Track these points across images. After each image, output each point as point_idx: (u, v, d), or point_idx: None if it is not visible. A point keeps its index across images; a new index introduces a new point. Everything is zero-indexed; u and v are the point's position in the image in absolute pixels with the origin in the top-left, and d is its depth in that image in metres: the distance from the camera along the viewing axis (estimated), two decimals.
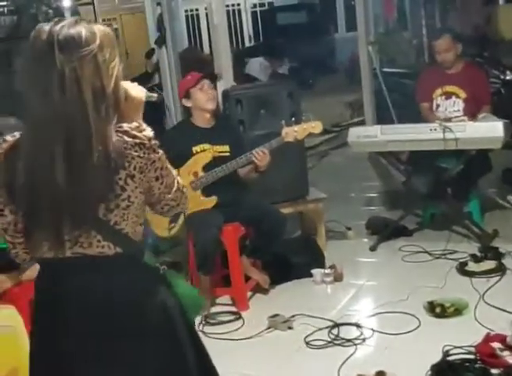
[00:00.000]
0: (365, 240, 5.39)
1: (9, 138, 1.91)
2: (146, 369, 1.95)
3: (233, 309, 4.39)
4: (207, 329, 4.14)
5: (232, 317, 4.27)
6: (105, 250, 1.91)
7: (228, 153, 4.43)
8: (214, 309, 4.41)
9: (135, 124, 1.89)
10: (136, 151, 1.86)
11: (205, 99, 4.42)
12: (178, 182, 2.03)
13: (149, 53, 8.71)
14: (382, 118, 6.77)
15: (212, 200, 4.37)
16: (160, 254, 5.03)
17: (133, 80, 7.09)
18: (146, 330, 1.95)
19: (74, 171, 1.81)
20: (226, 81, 5.41)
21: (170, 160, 4.84)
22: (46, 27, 1.82)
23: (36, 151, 1.82)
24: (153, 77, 8.67)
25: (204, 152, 4.42)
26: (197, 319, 4.22)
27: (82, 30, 1.82)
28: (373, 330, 3.86)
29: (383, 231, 5.32)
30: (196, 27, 18.93)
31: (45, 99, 1.79)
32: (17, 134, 1.91)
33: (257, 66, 8.39)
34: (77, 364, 1.94)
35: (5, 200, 1.91)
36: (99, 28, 1.87)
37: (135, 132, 1.87)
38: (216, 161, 4.38)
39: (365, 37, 6.58)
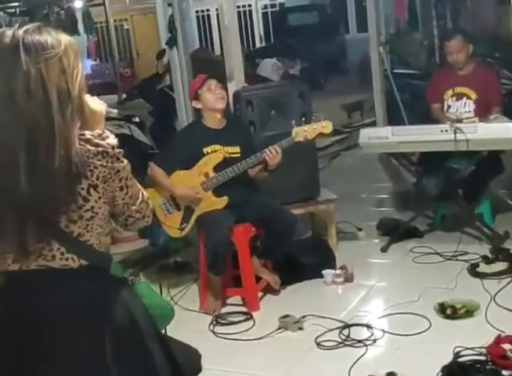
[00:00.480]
0: (376, 241, 5.38)
1: None
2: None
3: (244, 309, 4.40)
4: (218, 329, 4.15)
5: (242, 318, 4.27)
6: (69, 262, 1.88)
7: (238, 155, 4.44)
8: (224, 310, 4.42)
9: (97, 131, 1.85)
10: (99, 160, 1.82)
11: (214, 99, 4.43)
12: (142, 194, 2.00)
13: (160, 54, 8.75)
14: (393, 119, 6.76)
15: (223, 201, 4.38)
16: (171, 254, 5.05)
17: (144, 80, 7.18)
18: (112, 342, 1.90)
19: (36, 177, 1.76)
20: (237, 82, 5.42)
21: (181, 161, 4.87)
22: (9, 31, 1.80)
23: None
24: (163, 78, 8.70)
25: (215, 152, 4.43)
26: (207, 320, 4.24)
27: (47, 34, 1.81)
28: (384, 331, 3.86)
29: (394, 232, 5.32)
30: (207, 28, 18.97)
31: (9, 102, 1.76)
32: None
33: (268, 67, 8.40)
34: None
35: None
36: (63, 36, 1.85)
37: (97, 140, 1.83)
38: (227, 162, 4.39)
39: (377, 38, 6.58)
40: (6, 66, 1.76)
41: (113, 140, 1.87)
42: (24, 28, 1.80)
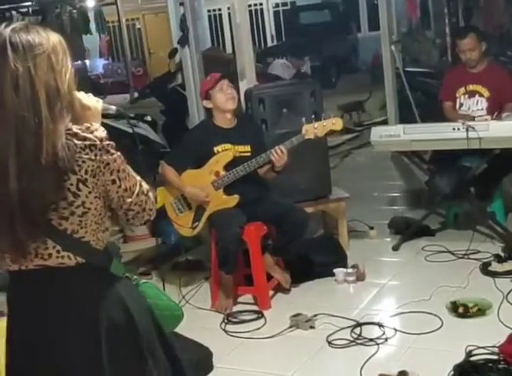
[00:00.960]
0: (388, 239, 5.37)
1: None
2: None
3: (255, 307, 4.39)
4: (229, 328, 4.15)
5: (254, 316, 4.27)
6: (65, 260, 1.86)
7: (249, 153, 4.44)
8: (236, 308, 4.42)
9: (85, 125, 1.83)
10: (87, 154, 1.79)
11: (225, 100, 4.42)
12: (141, 186, 1.95)
13: (172, 53, 8.75)
14: (405, 118, 6.75)
15: (234, 199, 4.38)
16: (183, 253, 5.06)
17: (156, 79, 7.19)
18: (108, 342, 1.89)
19: (24, 175, 1.75)
20: (249, 81, 5.41)
21: (192, 160, 4.86)
22: None
23: None
24: (175, 77, 8.71)
25: (226, 151, 4.42)
26: (219, 319, 4.24)
27: (34, 32, 1.81)
28: (396, 330, 3.85)
29: (405, 231, 5.30)
30: (218, 27, 18.98)
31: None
32: None
33: (280, 65, 8.40)
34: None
35: None
36: (52, 34, 1.85)
37: (85, 134, 1.80)
38: (237, 161, 4.39)
39: (389, 36, 6.56)
40: None
41: (101, 133, 1.84)
42: (11, 27, 1.79)
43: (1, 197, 1.77)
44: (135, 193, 1.92)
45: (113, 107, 2.17)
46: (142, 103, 9.89)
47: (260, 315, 4.27)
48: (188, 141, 4.56)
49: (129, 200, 1.91)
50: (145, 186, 1.97)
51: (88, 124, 1.84)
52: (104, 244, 1.93)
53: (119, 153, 1.88)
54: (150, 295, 2.10)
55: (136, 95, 13.25)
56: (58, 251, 1.85)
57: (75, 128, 1.81)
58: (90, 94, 1.98)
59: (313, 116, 4.58)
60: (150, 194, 1.99)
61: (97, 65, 19.82)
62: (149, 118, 7.76)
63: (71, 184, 1.79)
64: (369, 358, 3.56)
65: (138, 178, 1.96)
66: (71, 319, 1.89)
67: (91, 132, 1.82)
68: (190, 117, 6.17)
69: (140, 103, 10.01)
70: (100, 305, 1.90)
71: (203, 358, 3.68)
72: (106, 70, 19.46)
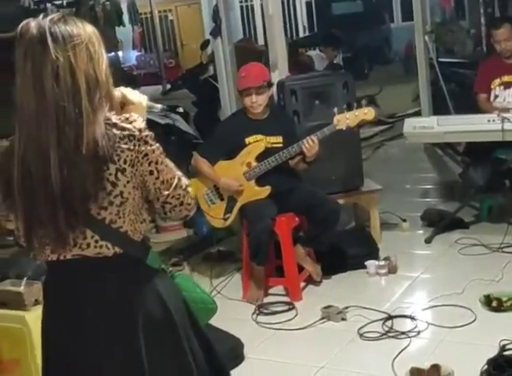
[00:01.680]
0: (421, 232, 5.33)
1: (4, 141, 1.90)
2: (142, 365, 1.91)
3: (287, 299, 4.40)
4: (261, 319, 4.16)
5: (285, 307, 4.27)
6: (103, 250, 1.87)
7: (281, 144, 4.43)
8: (267, 299, 4.42)
9: (124, 115, 1.85)
10: (126, 143, 1.80)
11: (249, 105, 4.42)
12: (179, 180, 1.93)
13: (204, 44, 8.77)
14: (438, 109, 6.67)
15: (266, 190, 4.38)
16: (214, 244, 5.08)
17: (188, 71, 7.20)
18: (145, 334, 1.90)
19: (65, 165, 1.76)
20: (281, 72, 5.40)
21: (224, 151, 4.87)
22: (32, 22, 1.79)
23: (30, 146, 1.79)
24: (207, 68, 8.72)
25: (257, 142, 4.42)
26: (250, 310, 4.25)
27: (72, 23, 1.82)
28: (428, 323, 3.83)
29: (438, 223, 5.26)
30: (250, 18, 18.95)
31: (39, 92, 1.76)
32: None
33: (314, 57, 8.35)
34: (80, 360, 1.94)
35: (7, 205, 1.88)
36: (87, 25, 1.86)
37: (124, 124, 1.82)
38: (269, 152, 4.39)
39: (422, 26, 6.48)
40: (34, 57, 1.76)
41: (140, 124, 1.84)
42: (49, 18, 1.80)
43: (44, 188, 1.78)
44: (173, 185, 1.91)
45: (159, 106, 2.19)
46: (175, 94, 9.95)
47: (291, 306, 4.27)
48: (220, 132, 4.57)
49: (166, 192, 1.90)
50: (184, 180, 1.96)
51: (128, 115, 1.85)
52: (142, 236, 1.92)
53: (158, 145, 1.88)
54: (185, 288, 2.10)
55: (168, 86, 13.32)
56: (96, 241, 1.85)
57: (114, 119, 1.83)
58: (136, 90, 2.00)
59: (345, 106, 4.55)
60: (189, 189, 1.97)
61: (130, 57, 19.91)
62: (181, 110, 7.78)
63: (110, 174, 1.79)
64: (401, 351, 3.54)
65: (178, 172, 1.95)
66: (107, 309, 1.90)
67: (130, 123, 1.83)
68: (222, 109, 6.17)
69: (172, 95, 10.08)
70: (136, 296, 1.90)
71: (234, 348, 3.69)
72: (138, 61, 19.56)
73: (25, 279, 3.30)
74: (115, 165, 1.79)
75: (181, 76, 10.41)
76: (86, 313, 1.90)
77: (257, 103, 4.39)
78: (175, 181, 1.92)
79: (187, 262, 5.11)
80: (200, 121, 7.95)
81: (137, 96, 1.98)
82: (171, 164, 1.93)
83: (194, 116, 8.11)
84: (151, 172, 1.86)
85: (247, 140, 4.43)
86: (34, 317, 3.21)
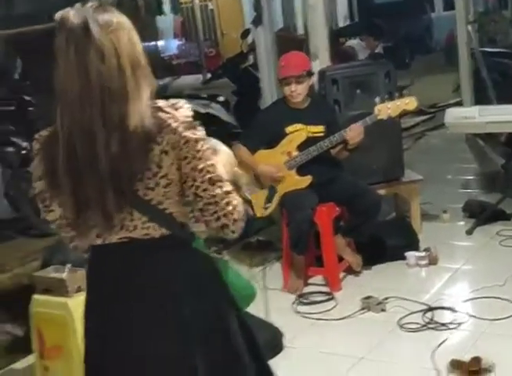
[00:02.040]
0: (462, 223, 5.27)
1: (44, 131, 1.92)
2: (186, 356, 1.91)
3: (326, 289, 4.40)
4: (300, 308, 4.17)
5: (324, 297, 4.27)
6: (150, 231, 1.87)
7: (322, 134, 4.42)
8: (306, 289, 4.43)
9: (171, 101, 1.87)
10: (169, 125, 1.81)
11: (288, 94, 4.42)
12: (224, 184, 1.88)
13: (245, 33, 8.76)
14: (480, 99, 6.59)
15: (307, 180, 4.38)
16: (254, 233, 5.09)
17: (228, 60, 7.22)
18: (193, 316, 1.91)
19: (112, 144, 1.78)
20: (322, 61, 5.37)
21: (264, 140, 4.86)
22: (71, 10, 1.82)
23: (74, 129, 1.81)
24: (248, 58, 8.72)
25: (299, 131, 4.42)
26: (290, 299, 4.26)
27: (110, 10, 1.85)
28: (469, 315, 3.80)
29: (480, 214, 5.20)
30: (290, 8, 18.86)
31: (83, 75, 1.78)
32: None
33: (354, 46, 8.29)
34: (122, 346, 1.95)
35: (50, 194, 1.91)
36: (120, 13, 1.88)
37: (169, 109, 1.84)
38: (310, 142, 4.38)
39: (465, 16, 6.40)
40: (77, 42, 1.79)
41: (186, 111, 1.86)
42: (88, 5, 1.83)
43: (91, 169, 1.80)
44: (218, 189, 1.87)
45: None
46: (215, 83, 9.94)
47: (331, 296, 4.27)
48: (260, 121, 4.57)
49: (201, 184, 1.85)
50: (237, 197, 1.91)
51: (174, 101, 1.87)
52: (188, 218, 1.93)
53: (203, 137, 1.86)
54: (228, 274, 2.12)
55: (209, 75, 13.31)
56: (143, 222, 1.86)
57: (161, 103, 1.85)
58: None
59: (386, 96, 4.52)
60: (240, 208, 1.91)
61: (171, 46, 19.98)
62: (221, 99, 7.81)
63: (155, 155, 1.80)
64: (441, 343, 3.52)
65: (226, 178, 1.91)
66: (154, 291, 1.91)
67: (176, 109, 1.85)
68: (263, 98, 6.17)
69: (212, 84, 10.06)
70: (183, 278, 1.92)
71: (273, 338, 3.69)
72: (179, 50, 19.60)
73: (68, 266, 3.34)
74: (159, 146, 1.80)
75: (221, 65, 10.38)
76: (132, 295, 1.92)
77: (297, 92, 4.39)
78: (225, 186, 1.89)
79: (227, 251, 5.12)
80: (240, 110, 7.97)
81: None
82: (218, 165, 1.90)
83: (234, 105, 8.13)
84: (186, 158, 1.84)
85: (287, 129, 4.42)
86: (76, 304, 3.25)
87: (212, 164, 1.88)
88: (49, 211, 1.97)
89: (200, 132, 1.87)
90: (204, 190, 1.87)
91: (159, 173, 1.82)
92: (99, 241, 1.92)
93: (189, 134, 1.83)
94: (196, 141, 1.85)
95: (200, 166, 1.85)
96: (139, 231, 1.87)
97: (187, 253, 1.96)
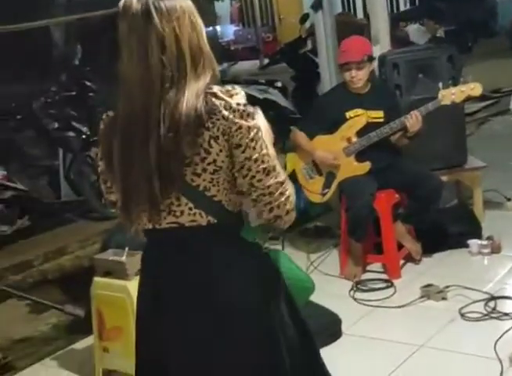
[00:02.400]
0: None
1: (111, 112, 1.94)
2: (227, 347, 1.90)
3: (385, 276, 4.34)
4: (358, 295, 4.12)
5: (383, 285, 4.22)
6: (197, 218, 1.86)
7: (382, 119, 4.35)
8: (364, 276, 4.38)
9: (226, 88, 1.85)
10: (220, 112, 1.79)
11: (349, 79, 4.36)
12: (279, 174, 1.86)
13: (304, 18, 8.70)
14: None
15: (366, 166, 4.32)
16: (312, 219, 5.05)
17: (286, 45, 7.19)
18: (239, 306, 1.90)
19: (164, 127, 1.78)
20: (383, 46, 5.29)
21: (323, 126, 4.83)
22: None
23: (131, 114, 1.83)
24: (306, 43, 8.66)
25: (359, 117, 4.36)
26: (347, 286, 4.22)
27: None
28: None
29: None
30: None
31: (144, 62, 1.80)
32: None
33: (414, 30, 8.18)
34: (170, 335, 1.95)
35: (108, 176, 1.94)
36: None
37: (224, 95, 1.82)
38: (370, 127, 4.32)
39: None
40: (139, 29, 1.80)
41: (240, 98, 1.83)
42: None
43: (143, 153, 1.81)
44: (272, 174, 1.85)
45: None
46: (273, 69, 9.91)
47: (389, 284, 4.21)
48: (320, 106, 4.53)
49: (255, 174, 1.83)
50: (290, 188, 1.90)
51: (230, 88, 1.86)
52: (237, 207, 1.91)
53: (257, 124, 1.83)
54: (281, 265, 2.08)
55: (266, 61, 13.29)
56: (190, 209, 1.85)
57: (216, 88, 1.84)
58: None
59: (450, 81, 4.42)
60: (292, 199, 1.91)
61: (228, 31, 20.01)
62: (279, 84, 7.77)
63: (204, 140, 1.79)
64: (504, 333, 3.44)
65: (282, 170, 1.89)
66: (199, 279, 1.90)
67: (231, 96, 1.83)
68: (322, 83, 6.11)
69: (270, 69, 10.05)
70: (229, 267, 1.90)
71: (331, 324, 3.68)
72: (236, 36, 19.62)
73: (127, 249, 3.37)
74: (209, 132, 1.79)
75: (279, 50, 10.35)
76: (180, 281, 1.92)
77: (358, 78, 4.32)
78: (280, 177, 1.87)
79: (283, 237, 5.11)
80: (298, 95, 7.92)
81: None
82: (273, 154, 1.87)
83: (292, 91, 8.09)
84: (239, 146, 1.81)
85: (348, 114, 4.37)
86: (135, 287, 3.29)
87: (267, 154, 1.85)
88: (111, 193, 1.99)
89: (254, 121, 1.84)
90: (259, 181, 1.84)
91: (206, 159, 1.80)
92: (150, 226, 1.92)
93: (241, 121, 1.81)
94: (249, 129, 1.82)
95: (255, 156, 1.83)
96: (186, 217, 1.87)
97: (234, 242, 1.93)
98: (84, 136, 6.26)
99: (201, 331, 1.91)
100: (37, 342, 4.12)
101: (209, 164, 1.81)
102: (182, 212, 1.86)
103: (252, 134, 1.82)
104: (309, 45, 8.47)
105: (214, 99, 1.81)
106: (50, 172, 6.41)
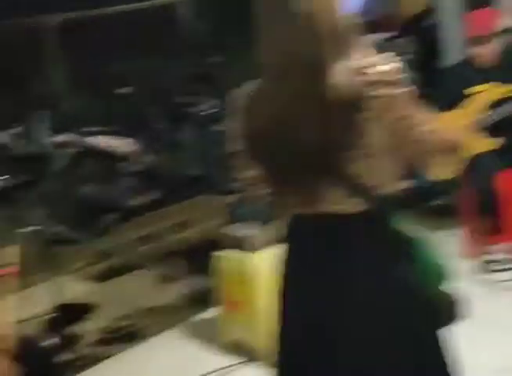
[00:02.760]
0: None
1: (248, 86, 1.90)
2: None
3: (510, 257, 4.21)
4: (483, 276, 4.03)
5: (509, 266, 4.10)
6: (347, 206, 1.80)
7: None
8: (490, 257, 4.26)
9: (371, 59, 1.75)
10: (372, 90, 1.70)
11: (477, 55, 4.22)
12: (438, 132, 1.87)
13: None
14: None
15: (494, 143, 4.19)
16: (435, 197, 4.96)
17: (411, 18, 6.92)
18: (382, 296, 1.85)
19: (313, 114, 1.73)
20: None
21: (449, 101, 4.66)
22: None
23: (275, 100, 1.79)
24: (431, 15, 8.43)
25: (487, 91, 4.22)
26: (472, 267, 4.13)
27: None
28: None
29: None
30: None
31: (281, 45, 1.77)
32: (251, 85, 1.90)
33: None
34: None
35: (247, 156, 1.91)
36: None
37: (369, 70, 1.72)
38: (499, 102, 4.18)
39: None
40: (275, 13, 1.79)
41: (384, 67, 1.73)
42: None
43: (292, 141, 1.78)
44: (426, 132, 1.83)
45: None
46: (396, 42, 9.72)
47: None
48: (446, 81, 4.43)
49: (420, 137, 1.81)
50: (444, 131, 1.94)
51: (373, 59, 1.77)
52: (391, 192, 1.84)
53: (405, 93, 1.75)
54: (423, 253, 2.00)
55: (389, 35, 13.03)
56: (342, 196, 1.78)
57: (356, 64, 1.75)
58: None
59: None
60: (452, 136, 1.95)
61: (355, 4, 19.73)
62: (403, 58, 7.61)
63: (355, 123, 1.71)
64: None
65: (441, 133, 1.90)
66: (346, 267, 1.85)
67: (374, 67, 1.74)
68: (447, 58, 5.95)
69: (393, 43, 9.85)
70: (376, 257, 1.85)
71: (454, 305, 3.61)
72: (358, 9, 19.34)
73: (251, 222, 3.43)
74: (360, 115, 1.70)
75: (403, 23, 10.13)
76: (326, 269, 1.87)
77: (486, 52, 4.19)
78: (429, 129, 1.84)
79: (406, 215, 5.04)
80: (422, 70, 7.73)
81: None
82: (427, 113, 1.84)
83: (416, 64, 7.91)
84: (399, 119, 1.74)
85: (475, 90, 4.24)
86: (260, 260, 3.35)
87: (422, 122, 1.81)
88: (244, 170, 1.96)
89: (403, 87, 1.75)
90: (422, 153, 1.87)
91: (360, 143, 1.72)
92: (297, 211, 1.89)
93: (394, 91, 1.72)
94: (400, 101, 1.74)
95: (415, 123, 1.79)
96: (338, 205, 1.81)
97: (384, 231, 1.87)
98: (210, 111, 6.36)
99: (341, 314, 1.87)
100: (164, 312, 4.26)
101: (363, 148, 1.73)
102: (334, 200, 1.80)
103: (403, 101, 1.76)
104: (434, 18, 8.24)
105: (362, 78, 1.72)
106: (177, 146, 6.58)
